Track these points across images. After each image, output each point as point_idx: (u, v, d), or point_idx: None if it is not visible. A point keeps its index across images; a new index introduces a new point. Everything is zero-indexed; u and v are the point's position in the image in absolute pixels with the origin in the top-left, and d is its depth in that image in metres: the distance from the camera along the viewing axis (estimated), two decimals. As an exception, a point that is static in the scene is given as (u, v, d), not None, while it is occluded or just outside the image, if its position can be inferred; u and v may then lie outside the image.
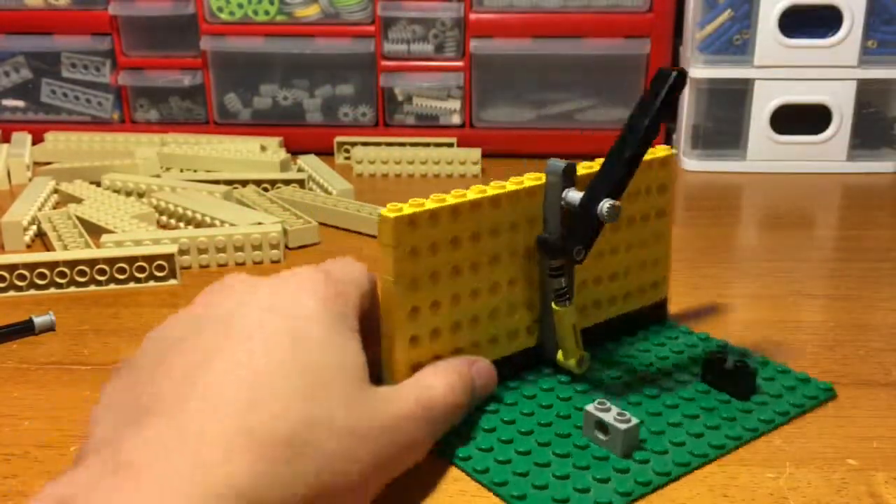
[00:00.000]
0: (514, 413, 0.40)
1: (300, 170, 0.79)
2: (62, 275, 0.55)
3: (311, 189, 0.76)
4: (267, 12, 0.85)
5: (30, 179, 0.79)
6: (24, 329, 0.50)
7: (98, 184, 0.75)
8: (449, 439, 0.38)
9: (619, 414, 0.37)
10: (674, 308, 0.51)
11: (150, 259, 0.57)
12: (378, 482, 0.32)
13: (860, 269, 0.58)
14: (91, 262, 0.56)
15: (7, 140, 0.87)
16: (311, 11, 0.85)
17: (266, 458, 0.27)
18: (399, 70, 0.86)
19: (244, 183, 0.75)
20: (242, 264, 0.61)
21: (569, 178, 0.41)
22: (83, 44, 0.88)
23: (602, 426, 0.37)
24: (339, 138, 0.86)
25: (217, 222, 0.63)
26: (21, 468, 0.37)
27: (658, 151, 0.47)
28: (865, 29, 0.77)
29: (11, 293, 0.56)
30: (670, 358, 0.45)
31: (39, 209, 0.67)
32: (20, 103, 0.91)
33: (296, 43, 0.86)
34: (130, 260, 0.56)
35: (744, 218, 0.73)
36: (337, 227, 0.68)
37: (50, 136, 0.87)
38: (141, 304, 0.54)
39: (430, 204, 0.38)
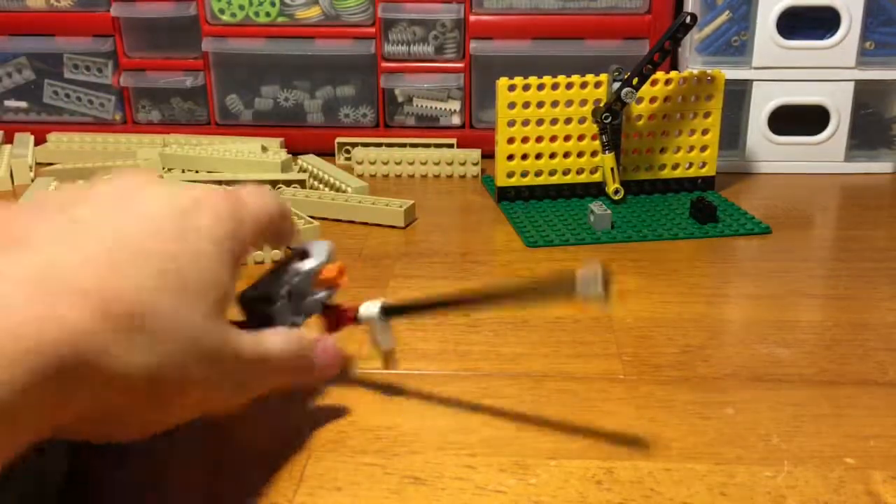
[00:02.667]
0: (559, 205, 0.71)
1: (302, 170, 0.79)
2: (66, 275, 0.56)
3: (317, 188, 0.76)
4: (268, 14, 0.85)
5: (32, 180, 0.80)
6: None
7: (100, 185, 0.75)
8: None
9: (601, 207, 0.65)
10: (671, 305, 0.52)
11: (153, 260, 0.57)
12: (185, 403, 0.30)
13: (858, 269, 0.59)
14: (95, 263, 0.56)
15: (10, 141, 0.88)
16: (312, 13, 0.85)
17: (108, 319, 0.26)
18: (399, 71, 0.87)
19: (245, 184, 0.75)
20: (244, 264, 0.61)
21: (618, 75, 0.68)
22: (85, 45, 0.88)
23: (592, 211, 0.65)
24: (339, 139, 0.86)
25: (219, 223, 0.63)
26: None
27: (711, 73, 0.71)
28: (863, 30, 0.78)
29: (16, 294, 0.56)
30: (680, 201, 0.71)
31: (43, 210, 0.68)
32: (23, 104, 0.91)
33: (297, 44, 0.86)
34: (134, 261, 0.57)
35: (742, 218, 0.73)
36: (340, 221, 0.68)
37: (52, 137, 0.87)
38: (145, 304, 0.55)
39: (526, 80, 0.67)
